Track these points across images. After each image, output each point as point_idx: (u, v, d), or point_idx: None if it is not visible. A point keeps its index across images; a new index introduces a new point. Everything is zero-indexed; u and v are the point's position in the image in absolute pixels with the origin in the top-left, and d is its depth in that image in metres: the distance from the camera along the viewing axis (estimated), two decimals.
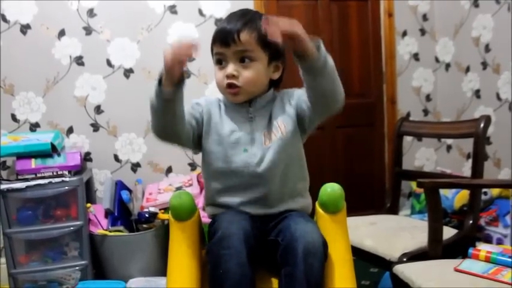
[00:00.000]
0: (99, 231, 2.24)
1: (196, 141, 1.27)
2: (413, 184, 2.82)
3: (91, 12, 2.55)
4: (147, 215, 2.26)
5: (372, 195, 3.07)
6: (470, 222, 1.85)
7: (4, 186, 2.14)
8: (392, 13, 3.05)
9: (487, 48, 2.92)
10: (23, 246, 2.25)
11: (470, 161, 2.18)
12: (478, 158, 1.86)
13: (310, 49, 1.07)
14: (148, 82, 2.57)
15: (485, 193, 2.55)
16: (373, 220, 2.01)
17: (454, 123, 2.54)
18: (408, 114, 3.13)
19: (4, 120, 2.47)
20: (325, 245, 1.15)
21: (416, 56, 3.13)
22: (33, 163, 2.19)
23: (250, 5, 2.69)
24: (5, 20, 2.45)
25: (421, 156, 3.19)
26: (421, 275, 1.38)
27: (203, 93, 2.70)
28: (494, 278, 1.31)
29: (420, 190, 2.59)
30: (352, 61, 3.04)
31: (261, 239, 1.20)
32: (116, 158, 2.65)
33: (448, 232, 1.79)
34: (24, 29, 2.47)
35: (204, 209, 1.42)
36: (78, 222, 2.22)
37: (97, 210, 2.32)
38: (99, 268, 2.31)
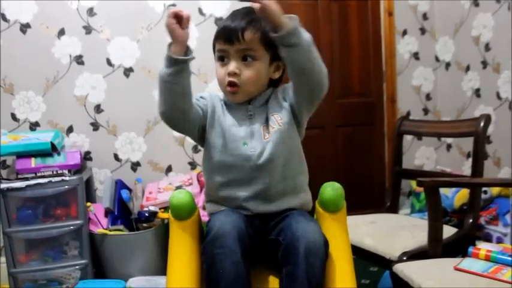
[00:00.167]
0: (99, 230, 2.25)
1: (200, 132, 1.27)
2: (413, 183, 2.82)
3: (91, 12, 2.55)
4: (147, 214, 2.26)
5: (371, 194, 3.07)
6: (470, 221, 1.86)
7: (4, 186, 2.13)
8: (393, 12, 3.04)
9: (487, 47, 2.92)
10: (23, 245, 2.24)
11: (470, 160, 2.18)
12: (478, 157, 1.86)
13: (282, 23, 1.11)
14: (148, 81, 2.57)
15: (485, 192, 2.55)
16: (373, 219, 2.01)
17: (454, 122, 2.54)
18: (408, 113, 3.12)
19: (4, 120, 2.47)
20: (326, 244, 1.15)
21: (416, 55, 3.13)
22: (33, 162, 2.19)
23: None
24: (4, 19, 2.44)
25: (421, 155, 3.19)
26: (421, 274, 1.38)
27: (203, 92, 2.68)
28: (494, 276, 1.31)
29: (420, 189, 2.59)
30: (352, 60, 3.03)
31: (259, 239, 1.20)
32: (116, 157, 2.65)
33: (448, 231, 1.79)
34: (24, 28, 2.47)
35: (204, 208, 1.42)
36: (78, 222, 2.21)
37: (97, 210, 2.32)
38: (99, 267, 2.31)
